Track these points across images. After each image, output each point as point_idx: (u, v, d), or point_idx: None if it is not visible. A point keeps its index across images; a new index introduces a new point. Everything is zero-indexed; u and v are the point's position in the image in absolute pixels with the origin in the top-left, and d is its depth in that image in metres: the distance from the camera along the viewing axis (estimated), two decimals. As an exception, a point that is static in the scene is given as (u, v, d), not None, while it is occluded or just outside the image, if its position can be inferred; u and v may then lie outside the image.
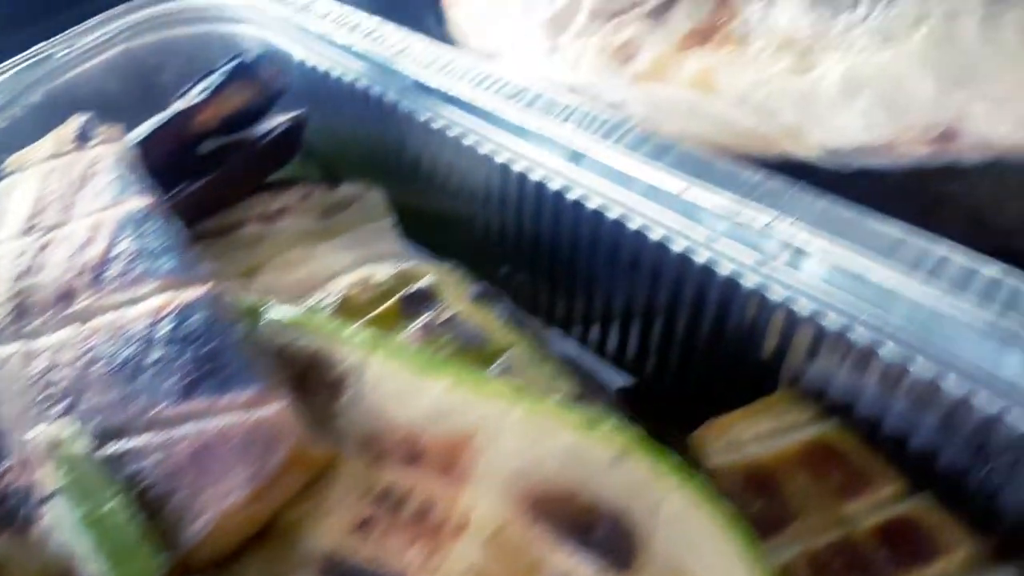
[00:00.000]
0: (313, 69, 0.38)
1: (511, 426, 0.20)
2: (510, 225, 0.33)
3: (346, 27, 0.36)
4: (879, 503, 0.24)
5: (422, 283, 0.27)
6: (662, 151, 0.26)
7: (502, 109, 0.30)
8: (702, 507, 0.19)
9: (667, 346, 0.30)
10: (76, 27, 0.42)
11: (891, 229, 0.23)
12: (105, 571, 0.19)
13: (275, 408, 0.21)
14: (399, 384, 0.22)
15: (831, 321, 0.24)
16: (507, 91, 0.30)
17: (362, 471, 0.21)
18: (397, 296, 0.26)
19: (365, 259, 0.33)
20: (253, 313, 0.24)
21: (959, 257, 0.22)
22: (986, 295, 0.21)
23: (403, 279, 0.27)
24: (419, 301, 0.26)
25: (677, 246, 0.27)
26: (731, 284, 0.26)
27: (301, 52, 0.38)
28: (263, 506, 0.20)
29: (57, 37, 0.42)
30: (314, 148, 0.43)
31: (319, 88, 0.38)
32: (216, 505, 0.19)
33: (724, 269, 0.26)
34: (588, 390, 0.26)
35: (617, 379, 0.34)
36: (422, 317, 0.26)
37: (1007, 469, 0.22)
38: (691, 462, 0.24)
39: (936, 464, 0.23)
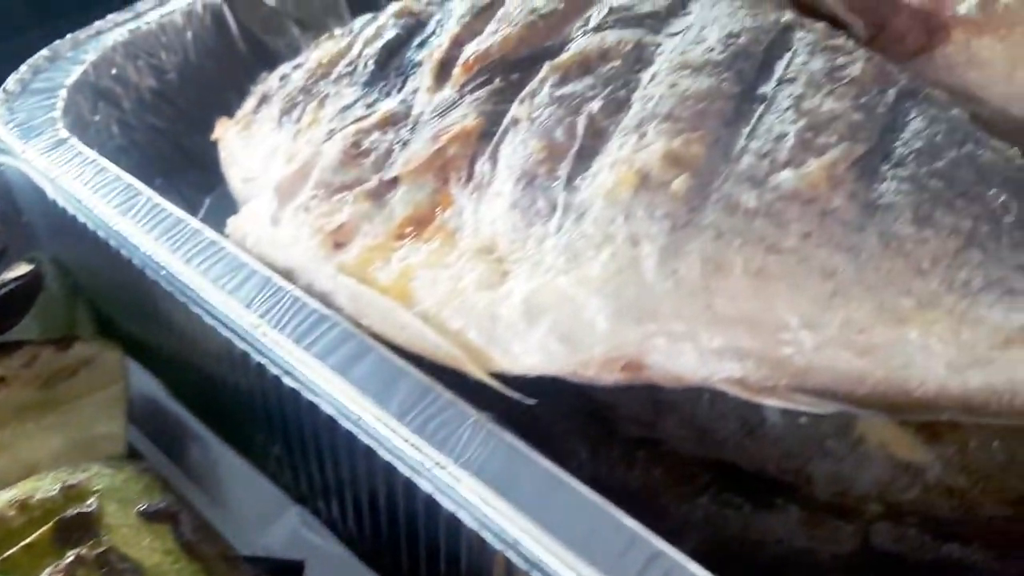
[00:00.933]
0: (64, 212, 0.36)
1: None
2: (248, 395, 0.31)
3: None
4: None
5: (85, 505, 0.24)
6: (356, 358, 0.25)
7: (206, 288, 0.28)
8: None
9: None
10: None
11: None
12: None
13: None
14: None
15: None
16: (216, 272, 0.28)
17: None
18: (53, 521, 0.24)
19: (75, 443, 0.30)
20: None
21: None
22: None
23: (69, 497, 0.25)
24: (76, 527, 0.24)
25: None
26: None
27: (52, 192, 0.36)
28: None
29: None
30: (81, 287, 0.40)
31: (69, 230, 0.36)
32: None
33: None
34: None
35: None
36: (75, 550, 0.23)
37: None
38: None
39: None
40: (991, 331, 0.22)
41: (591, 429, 0.28)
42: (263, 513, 0.35)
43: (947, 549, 0.26)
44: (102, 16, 0.45)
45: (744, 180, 0.23)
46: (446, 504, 0.23)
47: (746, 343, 0.22)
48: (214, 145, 0.38)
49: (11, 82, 0.40)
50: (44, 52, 0.42)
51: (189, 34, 0.46)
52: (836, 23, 0.31)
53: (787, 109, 0.24)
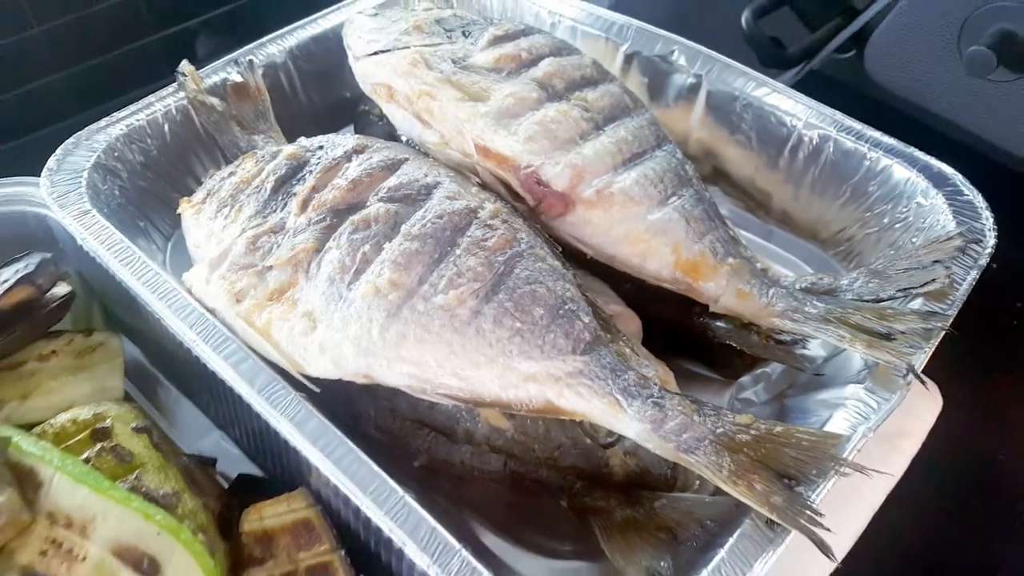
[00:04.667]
0: (84, 251, 0.61)
1: (113, 511, 0.45)
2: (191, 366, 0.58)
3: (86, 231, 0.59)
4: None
5: (105, 421, 0.51)
6: (242, 358, 0.52)
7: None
8: (193, 551, 0.45)
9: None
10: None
11: None
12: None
13: (4, 496, 0.45)
14: (66, 487, 0.46)
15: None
16: (173, 302, 0.54)
17: (46, 528, 0.45)
18: (90, 429, 0.51)
19: (95, 390, 0.57)
20: (3, 443, 0.47)
21: None
22: None
23: (97, 418, 0.51)
24: (100, 434, 0.50)
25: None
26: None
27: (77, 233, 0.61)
28: (-6, 542, 0.44)
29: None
30: (95, 293, 0.66)
31: (87, 259, 0.61)
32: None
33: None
34: (193, 480, 0.51)
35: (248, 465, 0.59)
36: (99, 443, 0.50)
37: None
38: (233, 527, 0.50)
39: None
40: (518, 374, 0.49)
41: (356, 405, 0.56)
42: (198, 432, 0.63)
43: (519, 468, 0.54)
44: (111, 107, 0.70)
45: (424, 298, 0.50)
46: (282, 432, 0.50)
47: (415, 372, 0.50)
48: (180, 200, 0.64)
49: (51, 162, 0.65)
50: (71, 140, 0.67)
51: (167, 126, 0.71)
52: (517, 197, 0.58)
53: (455, 261, 0.51)
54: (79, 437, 0.51)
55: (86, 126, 0.68)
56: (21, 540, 0.45)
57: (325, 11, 0.81)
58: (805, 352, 0.62)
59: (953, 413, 0.68)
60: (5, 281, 0.57)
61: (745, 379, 0.64)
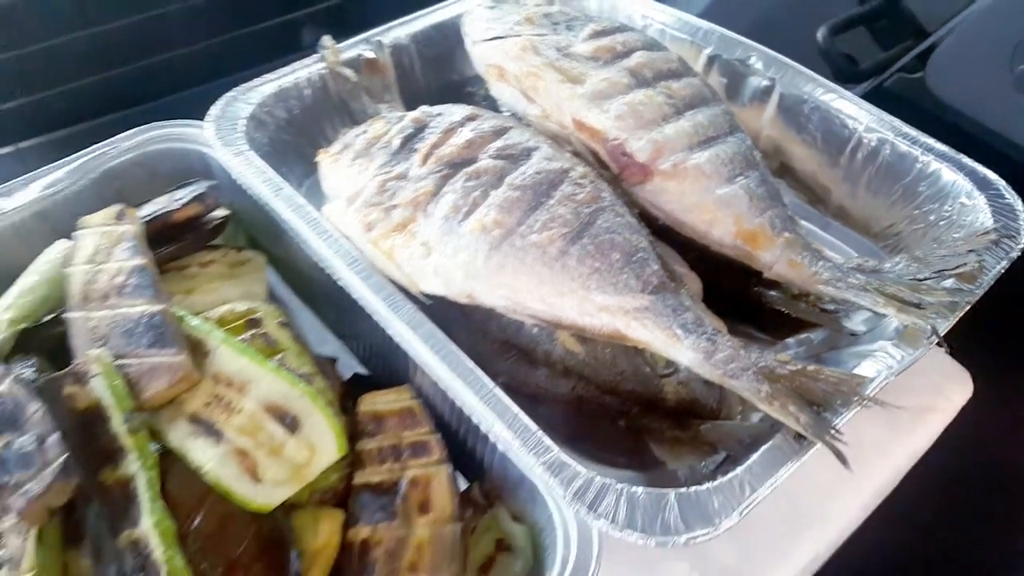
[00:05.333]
0: (238, 185, 0.74)
1: (265, 377, 0.57)
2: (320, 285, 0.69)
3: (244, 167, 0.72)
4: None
5: (257, 314, 0.63)
6: (368, 275, 0.63)
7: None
8: (325, 414, 0.56)
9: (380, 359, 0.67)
10: (120, 135, 0.77)
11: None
12: (113, 404, 0.55)
13: (181, 357, 0.57)
14: (229, 356, 0.58)
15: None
16: (314, 227, 0.66)
17: (210, 386, 0.57)
18: (245, 319, 0.63)
19: (244, 293, 0.69)
20: (179, 319, 0.60)
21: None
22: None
23: (250, 311, 0.63)
24: (253, 323, 0.62)
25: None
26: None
27: (234, 170, 0.73)
28: (172, 391, 0.56)
29: (110, 140, 0.77)
30: (242, 220, 0.79)
31: (240, 191, 0.74)
32: (155, 387, 0.56)
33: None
34: (322, 369, 0.63)
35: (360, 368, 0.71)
36: (252, 330, 0.62)
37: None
38: (351, 407, 0.61)
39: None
40: (594, 304, 0.59)
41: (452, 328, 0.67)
42: (317, 342, 0.75)
43: (584, 392, 0.64)
44: (262, 70, 0.83)
45: (521, 236, 0.60)
46: (396, 334, 0.61)
47: (509, 295, 0.60)
48: (314, 153, 0.76)
49: (214, 109, 0.78)
50: (230, 93, 0.80)
51: (308, 91, 0.84)
52: (603, 165, 0.68)
53: (549, 209, 0.61)
54: (235, 324, 0.63)
55: (234, 85, 0.80)
56: (190, 394, 0.57)
57: (446, 2, 0.92)
58: (847, 325, 0.70)
59: (982, 403, 0.75)
60: (181, 198, 0.70)
61: (790, 340, 0.72)
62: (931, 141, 0.75)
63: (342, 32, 0.88)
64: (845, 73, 0.95)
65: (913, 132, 0.76)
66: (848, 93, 0.80)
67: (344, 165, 0.72)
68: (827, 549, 0.63)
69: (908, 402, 0.67)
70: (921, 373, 0.68)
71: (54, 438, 0.55)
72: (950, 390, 0.74)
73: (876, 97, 0.89)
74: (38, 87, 0.92)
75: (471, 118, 0.71)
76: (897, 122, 0.77)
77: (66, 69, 0.93)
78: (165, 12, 0.97)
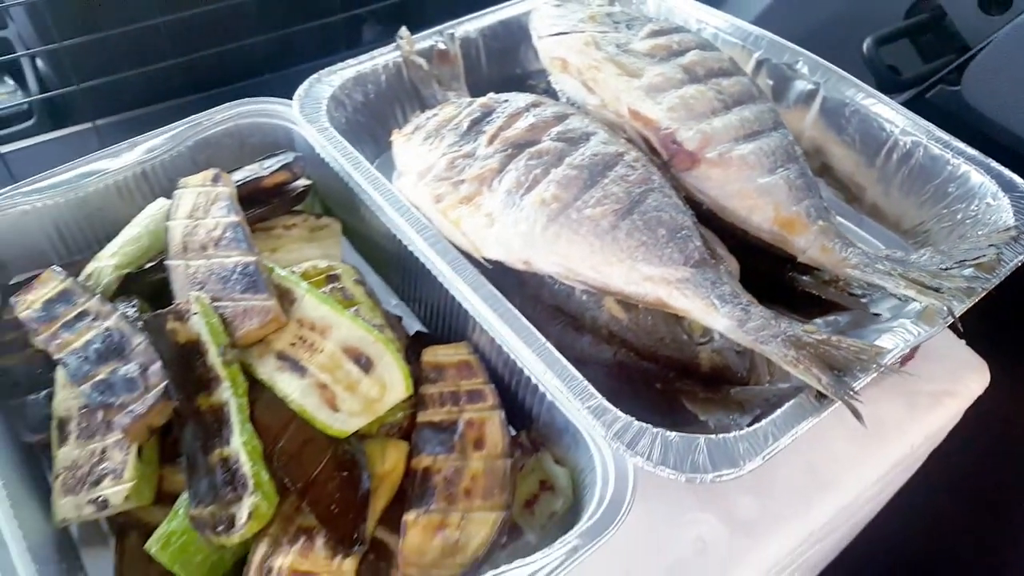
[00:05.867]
0: (320, 158, 0.82)
1: (344, 323, 0.64)
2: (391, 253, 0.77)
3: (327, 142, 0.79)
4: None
5: (336, 271, 0.71)
6: (444, 250, 0.70)
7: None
8: (395, 358, 0.63)
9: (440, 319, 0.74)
10: (212, 108, 0.86)
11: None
12: (209, 339, 0.63)
13: (271, 302, 0.65)
14: (312, 304, 0.65)
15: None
16: (386, 197, 0.73)
17: (295, 328, 0.65)
18: (325, 275, 0.70)
19: (322, 255, 0.77)
20: (270, 270, 0.67)
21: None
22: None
23: (329, 268, 0.71)
24: (333, 279, 0.70)
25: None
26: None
27: (317, 145, 0.81)
28: (263, 331, 0.64)
29: (205, 112, 0.85)
30: (318, 193, 0.87)
31: (321, 165, 0.82)
32: (247, 326, 0.63)
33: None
34: (390, 323, 0.70)
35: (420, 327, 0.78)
36: (332, 284, 0.69)
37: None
38: (417, 357, 0.68)
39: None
40: (640, 274, 0.65)
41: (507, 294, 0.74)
42: (386, 301, 0.82)
43: (625, 359, 0.70)
44: (340, 58, 0.91)
45: (577, 210, 0.67)
46: (459, 295, 0.68)
47: (563, 262, 0.67)
48: (388, 133, 0.84)
49: (301, 89, 0.86)
50: (314, 76, 0.88)
51: (383, 76, 0.92)
52: (655, 152, 0.74)
53: (603, 187, 0.68)
54: (317, 278, 0.70)
55: (296, 77, 0.88)
56: (278, 334, 0.65)
57: (512, 1, 1.00)
58: (872, 311, 0.75)
59: (998, 393, 0.79)
60: (270, 166, 0.78)
61: (818, 320, 0.77)
62: (962, 145, 0.80)
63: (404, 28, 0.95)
64: (888, 82, 1.00)
65: (946, 136, 0.81)
66: (887, 99, 0.85)
67: (416, 144, 0.79)
68: (841, 513, 0.68)
69: (926, 387, 0.72)
70: (940, 361, 0.74)
71: (156, 366, 0.63)
72: (968, 378, 0.78)
73: (915, 106, 0.94)
74: (119, 68, 0.97)
75: (535, 104, 0.78)
76: (931, 126, 0.82)
77: (146, 53, 0.99)
78: (239, 3, 1.04)
